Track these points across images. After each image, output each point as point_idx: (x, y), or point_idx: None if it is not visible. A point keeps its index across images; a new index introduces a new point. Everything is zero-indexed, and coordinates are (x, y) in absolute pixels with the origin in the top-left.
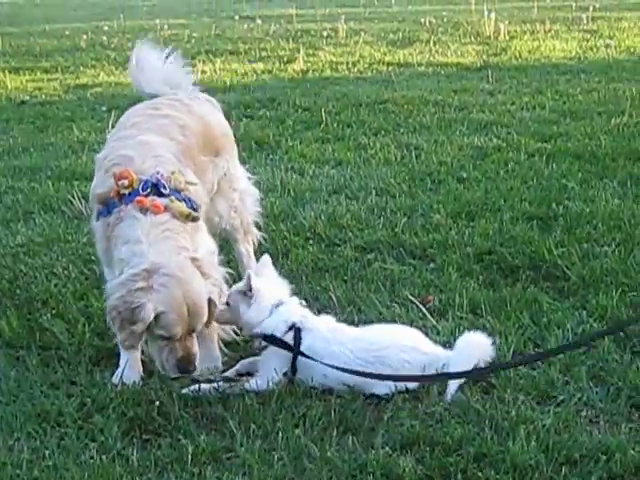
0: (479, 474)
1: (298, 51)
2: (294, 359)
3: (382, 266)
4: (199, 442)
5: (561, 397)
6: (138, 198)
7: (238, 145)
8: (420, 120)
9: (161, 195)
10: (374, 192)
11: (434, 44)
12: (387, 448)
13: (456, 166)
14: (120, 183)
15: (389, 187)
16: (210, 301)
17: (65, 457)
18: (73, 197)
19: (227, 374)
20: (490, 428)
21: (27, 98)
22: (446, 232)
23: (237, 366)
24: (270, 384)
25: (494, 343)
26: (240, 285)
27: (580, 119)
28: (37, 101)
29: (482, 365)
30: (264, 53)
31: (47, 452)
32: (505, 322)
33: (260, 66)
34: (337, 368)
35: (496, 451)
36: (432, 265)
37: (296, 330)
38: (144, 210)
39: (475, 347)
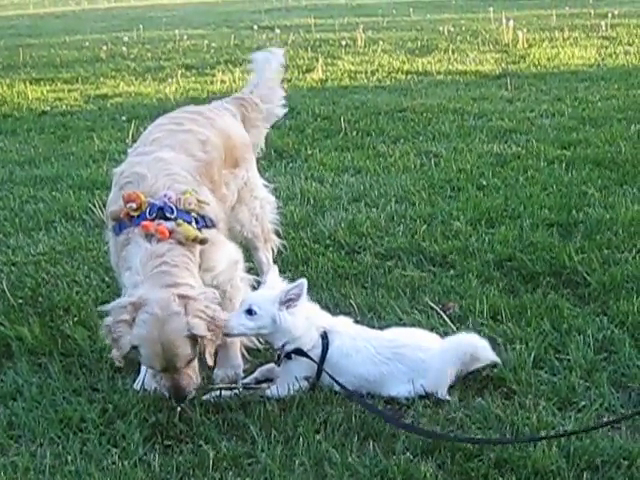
0: (500, 479)
1: (317, 60)
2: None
3: (402, 273)
4: (220, 448)
5: (582, 403)
6: (144, 223)
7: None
8: (439, 128)
9: (167, 219)
10: (394, 199)
11: (453, 52)
12: (408, 454)
13: (476, 173)
14: (128, 206)
15: (409, 194)
16: (194, 336)
17: (87, 462)
18: (94, 206)
19: (246, 381)
20: (511, 434)
21: (48, 108)
22: (466, 239)
23: (255, 373)
24: (291, 391)
25: (514, 349)
26: (274, 295)
27: (599, 126)
28: (58, 111)
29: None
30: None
31: (69, 457)
32: (525, 328)
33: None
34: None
35: (517, 457)
36: (452, 272)
37: (323, 336)
38: (149, 236)
39: (463, 349)
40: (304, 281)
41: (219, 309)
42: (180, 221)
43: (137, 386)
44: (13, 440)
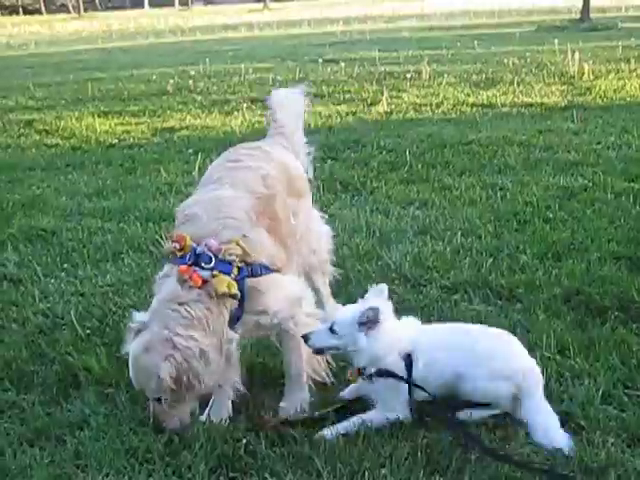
0: None
1: (382, 93)
2: (409, 388)
3: (468, 307)
4: None
5: None
6: (181, 267)
7: (322, 187)
8: (505, 161)
9: (203, 268)
10: (459, 232)
11: (518, 85)
12: None
13: (542, 206)
14: (174, 245)
15: (474, 228)
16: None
17: None
18: (161, 238)
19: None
20: (580, 471)
21: (116, 141)
22: (533, 272)
23: (345, 393)
24: (399, 414)
25: (582, 384)
26: (357, 315)
27: None
28: (125, 144)
29: None
30: (348, 95)
31: None
32: (594, 363)
33: (344, 108)
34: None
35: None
36: (519, 305)
37: (406, 358)
38: (182, 280)
39: None
40: (380, 305)
41: (200, 371)
42: (216, 272)
43: (204, 417)
44: (80, 470)
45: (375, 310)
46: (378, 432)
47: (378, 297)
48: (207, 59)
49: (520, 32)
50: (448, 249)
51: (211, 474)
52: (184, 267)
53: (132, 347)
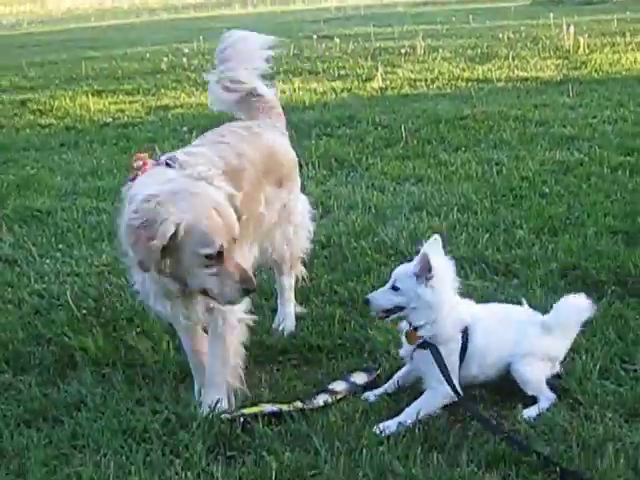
0: None
1: (377, 69)
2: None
3: (465, 282)
4: (283, 459)
5: None
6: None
7: (318, 164)
8: (501, 135)
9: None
10: (455, 208)
11: (513, 59)
12: (472, 466)
13: (538, 181)
14: (136, 165)
15: (470, 203)
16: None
17: (150, 473)
18: None
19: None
20: (577, 446)
21: (110, 120)
22: (529, 248)
23: (395, 379)
24: (456, 387)
25: (579, 359)
26: (411, 266)
27: None
28: (120, 123)
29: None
30: (343, 72)
31: (133, 468)
32: (591, 338)
33: (339, 84)
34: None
35: (584, 469)
36: (515, 281)
37: (464, 332)
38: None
39: (574, 310)
40: (427, 250)
41: None
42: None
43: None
44: (77, 450)
45: (424, 256)
46: (375, 410)
47: (433, 248)
48: (201, 37)
49: (515, 6)
50: (444, 225)
51: (209, 453)
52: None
53: (190, 201)
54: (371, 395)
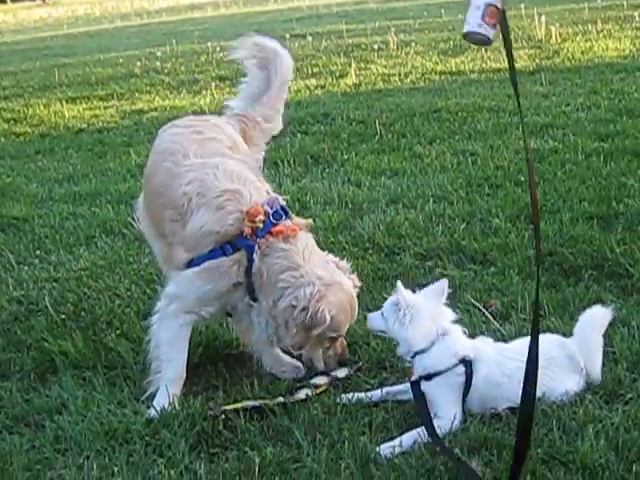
0: (549, 475)
1: (350, 65)
2: (465, 393)
3: (443, 272)
4: (266, 454)
5: (629, 395)
6: (276, 229)
7: (293, 161)
8: (475, 126)
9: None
10: (432, 200)
11: (485, 51)
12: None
13: (513, 170)
14: (258, 219)
15: (446, 194)
16: None
17: (134, 473)
18: (133, 220)
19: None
20: (558, 429)
21: (85, 126)
22: (506, 236)
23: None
24: (457, 422)
25: None
26: (393, 296)
27: (637, 117)
28: (94, 128)
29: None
30: (316, 69)
31: (116, 469)
32: (569, 322)
33: (313, 82)
34: None
35: (565, 451)
36: (493, 269)
37: (467, 364)
38: (286, 239)
39: (596, 324)
40: (399, 287)
41: None
42: (291, 215)
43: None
44: (60, 454)
45: (396, 292)
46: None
47: (434, 292)
48: (174, 40)
49: None
50: (421, 216)
51: (191, 451)
52: (278, 228)
53: (335, 299)
54: (345, 399)
